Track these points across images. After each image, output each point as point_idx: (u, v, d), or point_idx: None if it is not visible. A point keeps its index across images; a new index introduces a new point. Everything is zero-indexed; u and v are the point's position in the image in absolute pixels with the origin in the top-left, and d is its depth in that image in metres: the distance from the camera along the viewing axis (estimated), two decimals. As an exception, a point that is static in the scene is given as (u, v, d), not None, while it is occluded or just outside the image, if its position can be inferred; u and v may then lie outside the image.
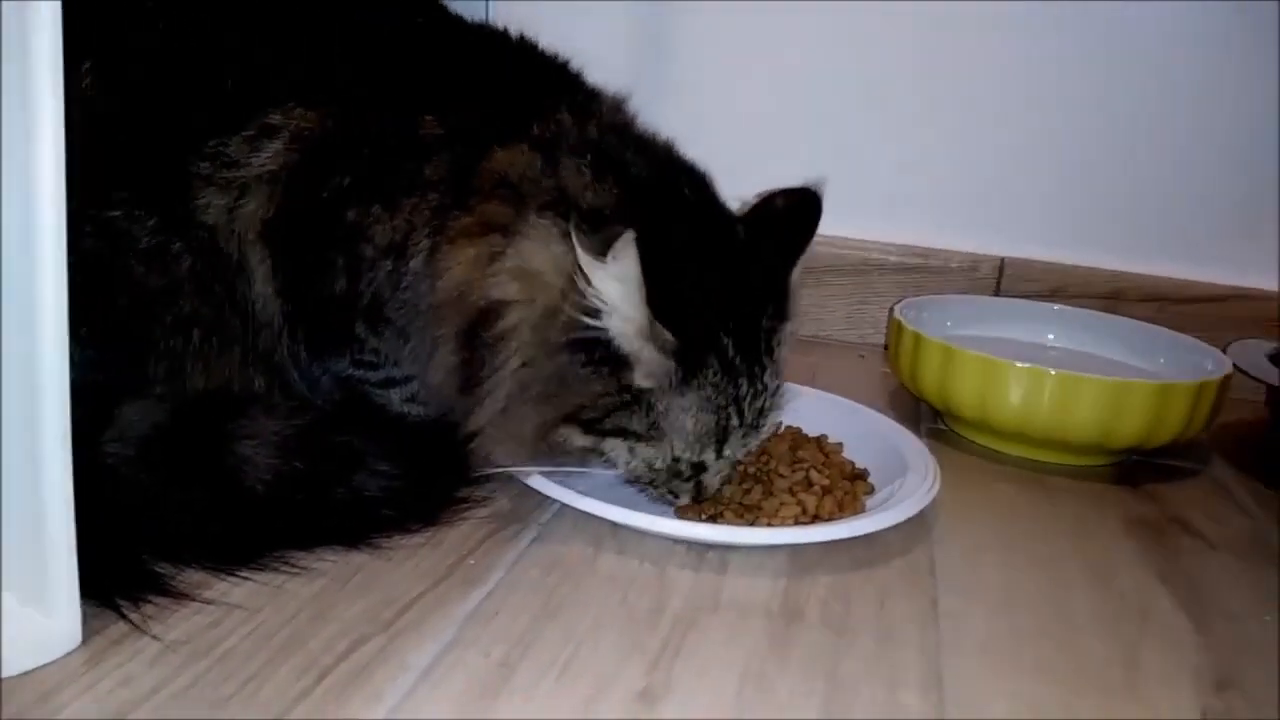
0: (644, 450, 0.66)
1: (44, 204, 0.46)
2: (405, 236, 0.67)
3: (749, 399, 0.66)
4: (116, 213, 0.64)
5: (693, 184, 0.70)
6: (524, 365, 0.64)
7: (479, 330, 0.65)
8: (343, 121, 0.67)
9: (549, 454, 0.67)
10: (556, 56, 0.75)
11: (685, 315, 0.62)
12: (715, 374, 0.64)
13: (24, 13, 0.45)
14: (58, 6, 0.45)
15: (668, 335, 0.61)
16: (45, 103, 0.46)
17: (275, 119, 0.66)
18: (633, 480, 0.69)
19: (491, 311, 0.65)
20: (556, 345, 0.63)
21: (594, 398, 0.64)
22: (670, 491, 0.69)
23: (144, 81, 0.65)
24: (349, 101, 0.68)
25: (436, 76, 0.70)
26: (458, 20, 0.75)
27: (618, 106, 0.75)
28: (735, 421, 0.66)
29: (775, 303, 0.68)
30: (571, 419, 0.64)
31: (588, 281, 0.60)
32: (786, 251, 0.70)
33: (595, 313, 0.61)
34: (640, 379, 0.63)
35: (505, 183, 0.67)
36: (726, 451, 0.67)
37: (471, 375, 0.66)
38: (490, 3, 1.08)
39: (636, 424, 0.64)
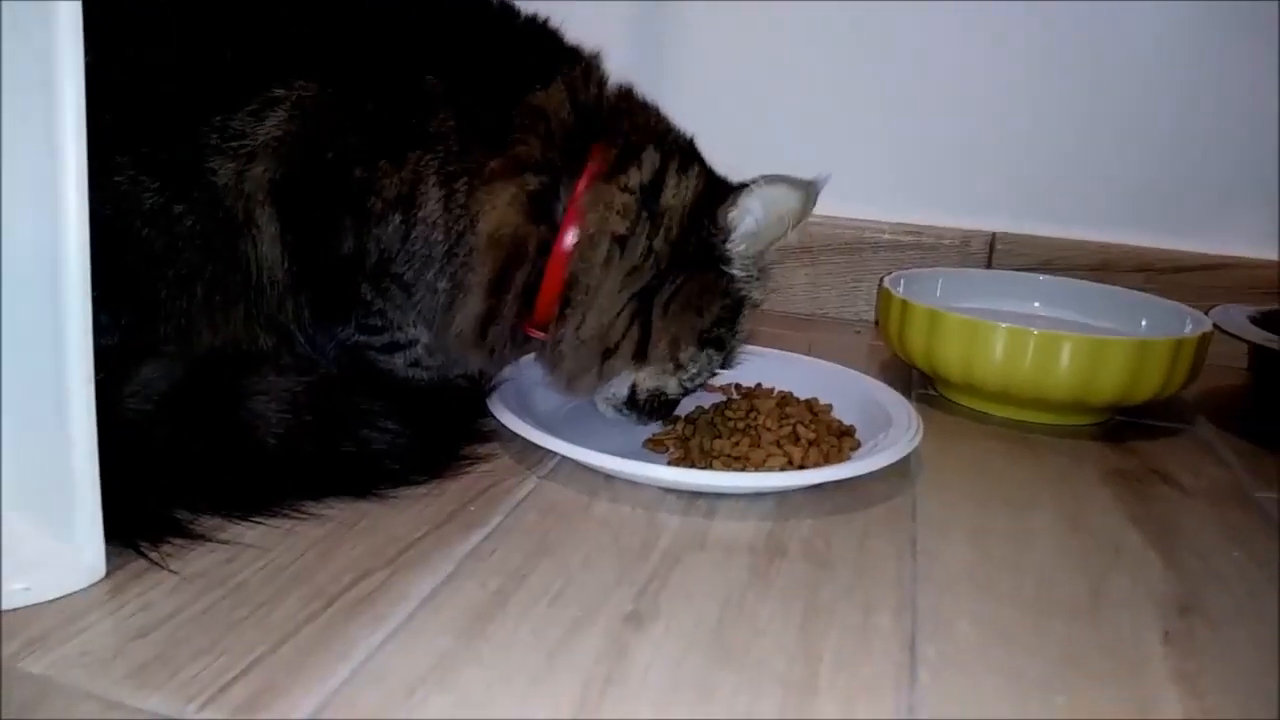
0: (716, 358, 0.78)
1: (68, 168, 0.50)
2: (413, 188, 0.71)
3: None
4: (120, 178, 0.66)
5: None
6: (648, 290, 0.74)
7: (551, 267, 0.74)
8: (343, 88, 0.70)
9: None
10: (535, 16, 0.79)
11: None
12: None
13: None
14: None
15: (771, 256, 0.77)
16: (68, 73, 0.49)
17: (278, 92, 0.69)
18: (666, 391, 0.79)
19: (587, 244, 0.73)
20: (692, 261, 0.75)
21: (719, 309, 0.76)
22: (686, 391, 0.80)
23: (143, 57, 0.67)
24: (348, 70, 0.71)
25: (431, 40, 0.74)
26: None
27: (600, 64, 0.80)
28: None
29: None
30: (703, 331, 0.76)
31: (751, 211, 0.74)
32: None
33: (728, 234, 0.74)
34: (757, 294, 0.78)
35: (543, 129, 0.73)
36: None
37: (497, 322, 0.76)
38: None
39: (726, 331, 0.77)
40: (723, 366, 0.80)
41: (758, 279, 0.78)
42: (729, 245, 0.75)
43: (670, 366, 0.77)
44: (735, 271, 0.76)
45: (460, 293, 0.74)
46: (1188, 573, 0.65)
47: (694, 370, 0.78)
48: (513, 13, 0.78)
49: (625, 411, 0.80)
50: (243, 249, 0.70)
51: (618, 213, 0.73)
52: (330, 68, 0.70)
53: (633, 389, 0.79)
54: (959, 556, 0.65)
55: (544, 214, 0.73)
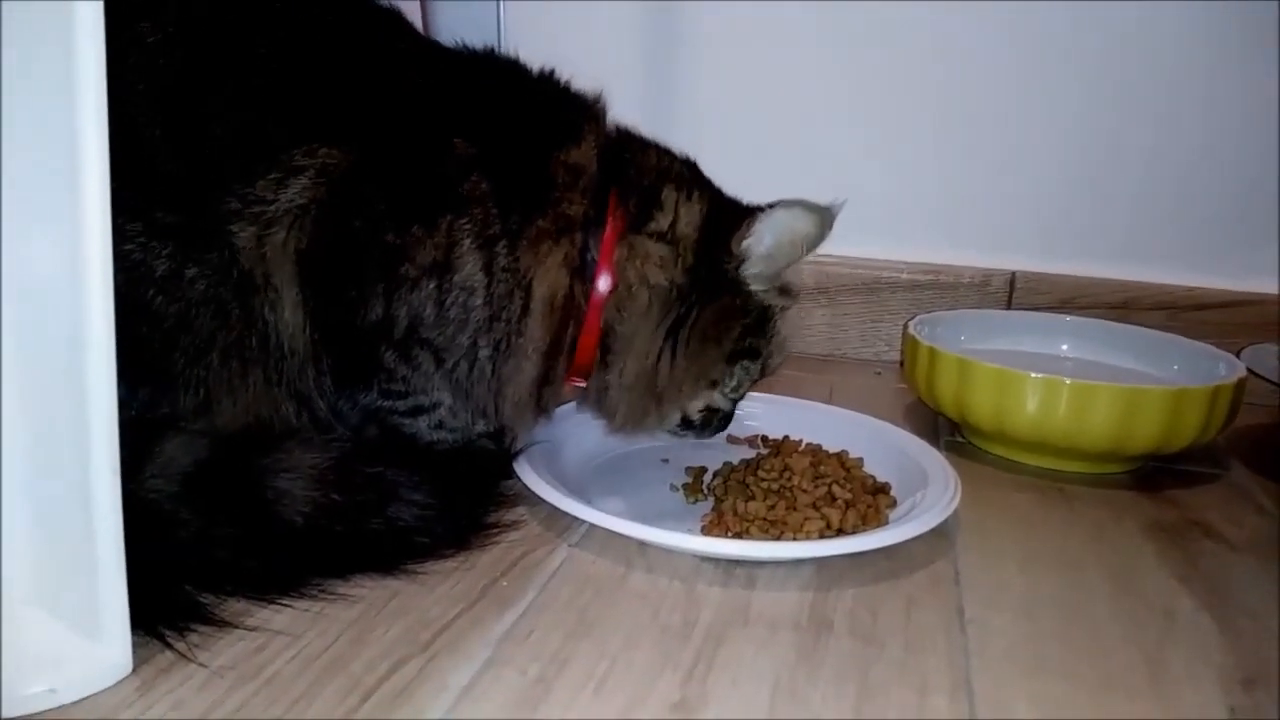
0: (754, 367, 0.80)
1: (91, 239, 0.48)
2: (448, 252, 0.69)
3: None
4: (131, 245, 0.64)
5: None
6: (676, 323, 0.75)
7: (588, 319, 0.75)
8: (369, 154, 0.68)
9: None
10: (544, 70, 0.78)
11: None
12: None
13: (72, 60, 0.47)
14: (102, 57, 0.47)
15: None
16: (91, 144, 0.47)
17: (299, 160, 0.67)
18: (715, 406, 0.81)
19: (628, 294, 0.75)
20: (709, 286, 0.75)
21: (741, 327, 0.77)
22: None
23: (158, 124, 0.66)
24: (372, 135, 0.70)
25: (452, 102, 0.73)
26: (442, 48, 0.78)
27: (605, 106, 0.79)
28: None
29: None
30: (730, 351, 0.78)
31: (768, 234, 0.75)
32: None
33: (742, 261, 0.75)
34: (781, 301, 0.79)
35: (582, 184, 0.73)
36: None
37: (551, 382, 0.76)
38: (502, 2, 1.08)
39: (757, 340, 0.79)
40: (760, 374, 0.82)
41: (779, 292, 0.79)
42: (743, 270, 0.76)
43: (705, 386, 0.79)
44: (753, 289, 0.77)
45: (508, 358, 0.73)
46: (1245, 640, 0.63)
47: (734, 383, 0.80)
48: (523, 69, 0.77)
49: (681, 432, 0.82)
50: (260, 313, 0.68)
51: (656, 264, 0.75)
52: (354, 133, 0.68)
53: (683, 415, 0.80)
54: (1009, 628, 0.63)
55: (582, 267, 0.74)
